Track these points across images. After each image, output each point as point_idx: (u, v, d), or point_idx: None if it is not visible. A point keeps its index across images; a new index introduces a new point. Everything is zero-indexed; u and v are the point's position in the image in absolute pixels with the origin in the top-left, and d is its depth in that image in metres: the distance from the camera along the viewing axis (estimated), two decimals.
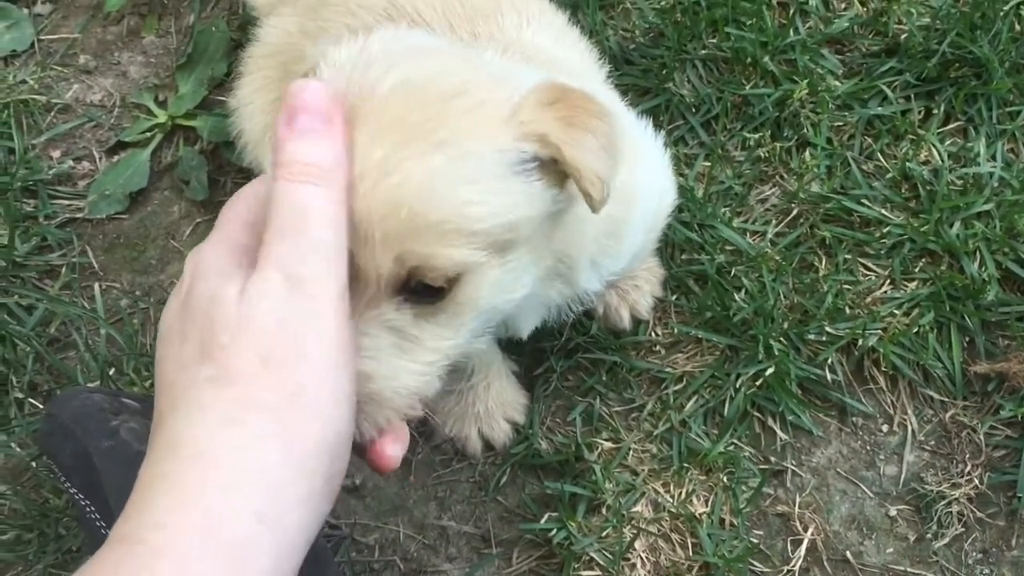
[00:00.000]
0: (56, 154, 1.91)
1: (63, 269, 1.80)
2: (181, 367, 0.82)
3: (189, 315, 0.84)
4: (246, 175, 1.87)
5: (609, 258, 1.30)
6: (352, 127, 0.90)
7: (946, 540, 1.56)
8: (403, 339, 0.95)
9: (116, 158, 1.91)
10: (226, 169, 1.88)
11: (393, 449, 0.95)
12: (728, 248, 1.71)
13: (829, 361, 1.63)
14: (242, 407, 0.78)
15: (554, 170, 0.97)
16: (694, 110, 1.82)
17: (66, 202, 1.87)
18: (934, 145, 1.76)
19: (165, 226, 1.85)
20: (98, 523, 1.27)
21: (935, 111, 1.79)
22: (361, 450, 0.94)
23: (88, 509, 1.29)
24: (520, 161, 0.94)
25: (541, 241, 1.04)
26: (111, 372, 1.67)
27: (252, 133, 1.54)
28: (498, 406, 1.62)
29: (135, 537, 0.74)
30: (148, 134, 1.91)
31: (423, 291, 0.93)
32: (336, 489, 0.83)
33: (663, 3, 1.87)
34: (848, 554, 1.56)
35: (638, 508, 1.58)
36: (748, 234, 1.74)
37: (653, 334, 1.68)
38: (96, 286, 1.79)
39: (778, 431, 1.62)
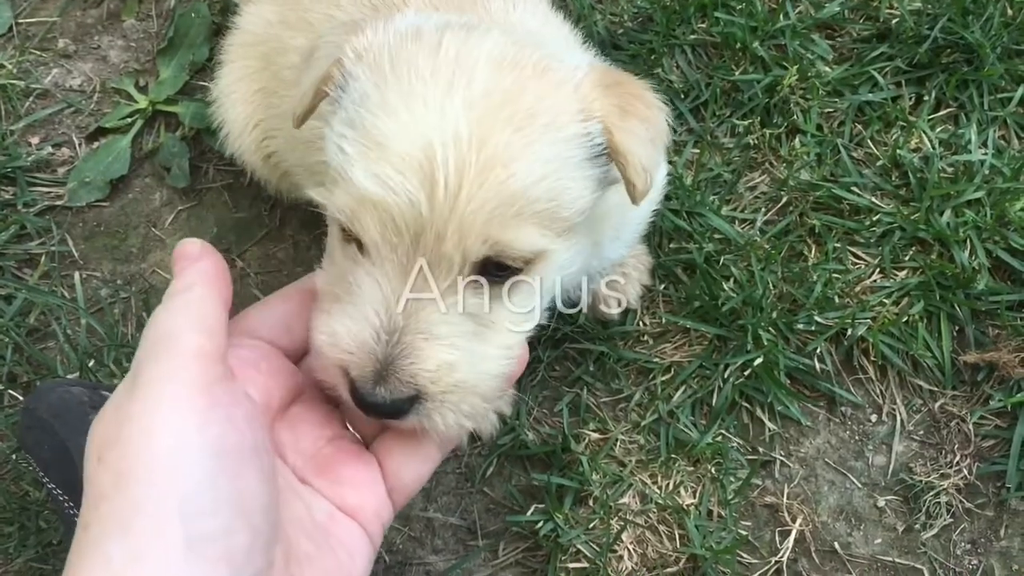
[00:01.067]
0: (35, 140, 1.88)
1: (42, 258, 1.77)
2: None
3: None
4: (229, 162, 1.84)
5: (624, 233, 1.32)
6: (414, 88, 0.90)
7: (935, 531, 1.55)
8: (480, 324, 0.95)
9: (96, 145, 1.88)
10: (208, 156, 1.85)
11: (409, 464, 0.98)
12: (717, 236, 1.69)
13: (818, 351, 1.62)
14: (89, 503, 0.77)
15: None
16: (683, 96, 1.80)
17: (45, 189, 1.84)
18: (925, 132, 1.74)
19: (146, 214, 1.83)
20: (77, 519, 1.25)
21: (926, 97, 1.77)
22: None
23: (67, 505, 1.27)
24: (594, 145, 0.96)
25: (591, 221, 1.05)
26: (91, 364, 1.64)
27: (233, 123, 1.51)
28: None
29: None
30: (128, 120, 1.88)
31: (495, 271, 0.94)
32: (239, 550, 0.78)
33: None
34: (836, 545, 1.55)
35: (625, 500, 1.56)
36: (737, 222, 1.72)
37: (641, 324, 1.67)
38: (76, 275, 1.76)
39: (766, 421, 1.61)
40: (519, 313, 0.99)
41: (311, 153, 1.27)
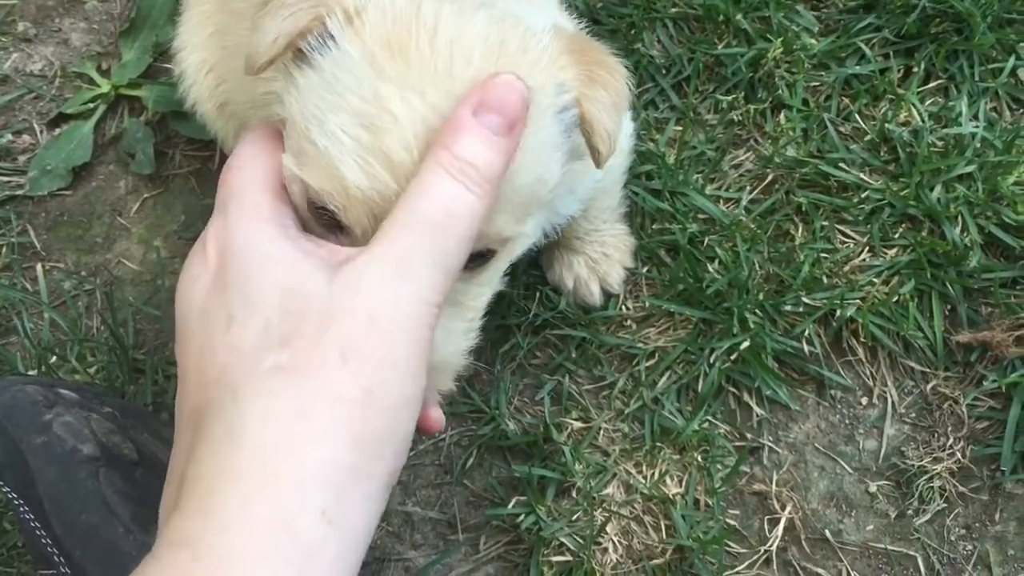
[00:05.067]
0: None
1: (3, 249, 1.71)
2: (236, 351, 0.77)
3: (239, 297, 0.79)
4: (195, 146, 1.79)
5: (577, 186, 1.27)
6: (401, 70, 0.85)
7: (928, 516, 1.51)
8: (452, 304, 0.94)
9: (58, 131, 1.81)
10: (174, 141, 1.79)
11: (438, 410, 0.96)
12: (701, 217, 1.64)
13: (806, 333, 1.57)
14: (314, 399, 0.75)
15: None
16: (664, 72, 1.74)
17: (5, 179, 1.77)
18: (914, 105, 1.69)
19: (111, 202, 1.76)
20: (32, 523, 1.20)
21: (915, 69, 1.72)
22: None
23: (22, 509, 1.21)
24: (569, 117, 0.94)
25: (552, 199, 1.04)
26: (52, 360, 1.59)
27: (190, 71, 1.44)
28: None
29: (200, 542, 0.71)
30: (91, 105, 1.82)
31: (476, 258, 0.93)
32: (392, 486, 0.80)
33: None
34: (827, 532, 1.51)
35: (609, 490, 1.51)
36: (722, 202, 1.66)
37: (623, 308, 1.61)
38: (38, 267, 1.70)
39: (754, 407, 1.56)
40: (483, 287, 0.99)
41: (256, 85, 1.20)
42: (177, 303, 0.85)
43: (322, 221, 0.90)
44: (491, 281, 1.00)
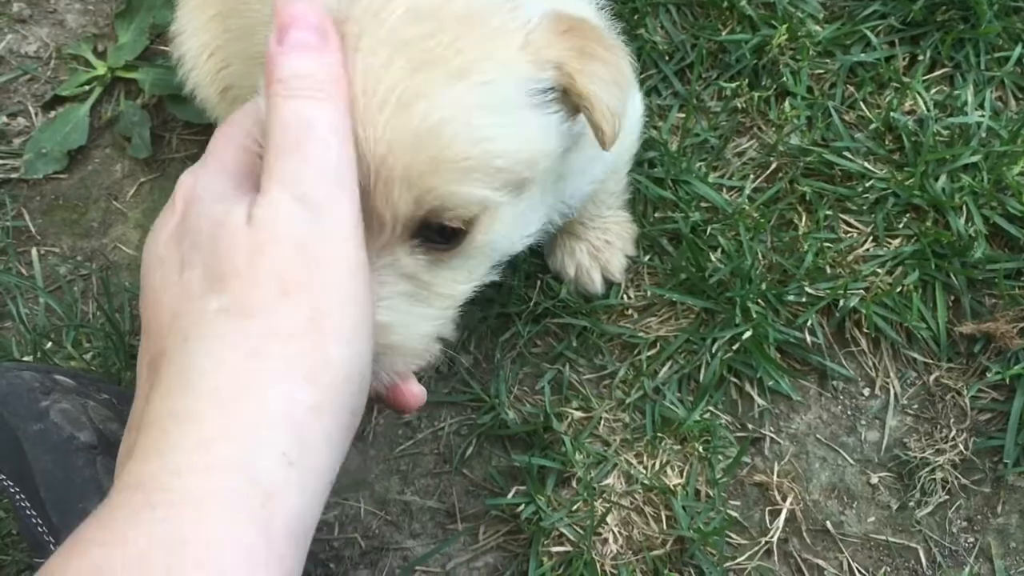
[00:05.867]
0: None
1: None
2: (186, 296, 0.76)
3: (190, 241, 0.79)
4: (192, 130, 1.76)
5: (590, 167, 1.26)
6: (355, 48, 0.85)
7: (930, 508, 1.50)
8: (417, 286, 0.92)
9: (53, 114, 1.79)
10: (171, 124, 1.77)
11: (417, 384, 0.95)
12: (703, 205, 1.62)
13: (809, 323, 1.55)
14: (265, 339, 0.73)
15: (568, 103, 0.95)
16: (667, 58, 1.72)
17: (0, 162, 1.75)
18: (919, 93, 1.67)
19: (107, 186, 1.74)
20: (28, 512, 1.18)
21: (920, 57, 1.70)
22: (378, 397, 0.93)
23: (19, 497, 1.20)
24: (539, 91, 0.92)
25: (552, 179, 1.02)
26: (48, 345, 1.57)
27: (190, 56, 1.43)
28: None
29: (153, 484, 0.69)
30: (87, 87, 1.79)
31: (438, 234, 0.90)
32: (356, 428, 0.79)
33: None
34: (828, 524, 1.50)
35: (610, 480, 1.50)
36: (724, 190, 1.65)
37: (625, 297, 1.60)
38: (34, 251, 1.68)
39: (756, 397, 1.55)
40: (461, 275, 0.96)
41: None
42: (143, 252, 0.85)
43: None
44: (464, 268, 0.96)
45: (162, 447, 0.70)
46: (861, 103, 1.68)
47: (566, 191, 1.23)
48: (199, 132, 1.75)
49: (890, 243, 1.60)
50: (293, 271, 0.75)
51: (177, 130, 1.77)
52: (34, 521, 1.18)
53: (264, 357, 0.73)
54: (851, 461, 1.53)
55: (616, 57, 0.97)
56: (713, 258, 1.58)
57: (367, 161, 0.83)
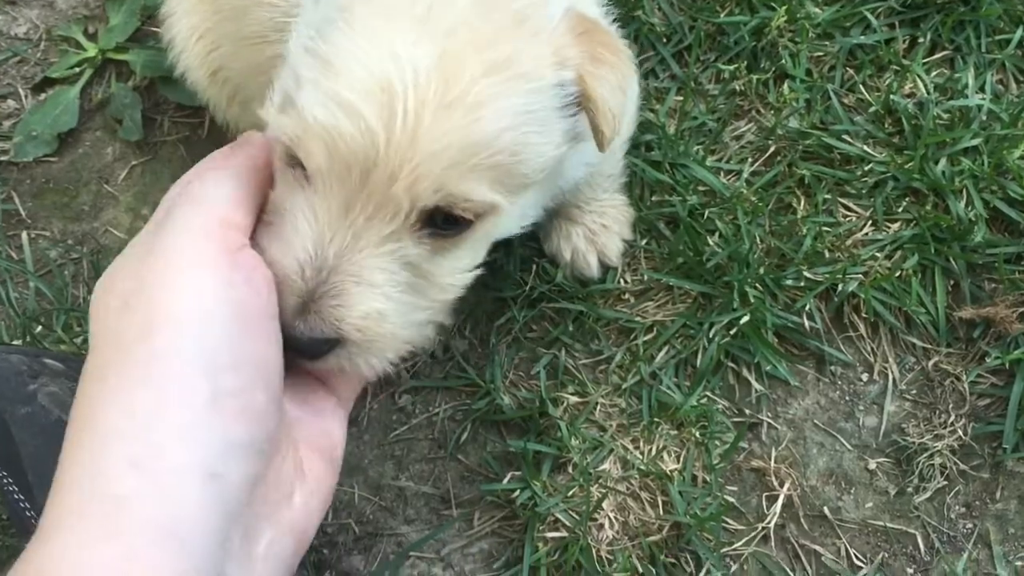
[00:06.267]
0: None
1: None
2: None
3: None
4: (184, 112, 1.74)
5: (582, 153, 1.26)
6: (412, 36, 0.85)
7: (928, 494, 1.49)
8: (417, 276, 0.92)
9: (43, 96, 1.77)
10: (162, 107, 1.75)
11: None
12: (701, 189, 1.61)
13: (807, 308, 1.54)
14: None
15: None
16: (665, 40, 1.70)
17: None
18: (919, 76, 1.65)
19: (98, 169, 1.72)
20: (16, 496, 1.17)
21: (921, 39, 1.68)
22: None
23: (6, 481, 1.18)
24: (568, 96, 0.94)
25: (552, 178, 1.04)
26: (38, 329, 1.55)
27: (179, 38, 1.42)
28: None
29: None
30: (77, 69, 1.77)
31: (444, 223, 0.91)
32: (256, 409, 0.79)
33: None
34: (826, 509, 1.49)
35: (606, 466, 1.49)
36: (722, 173, 1.63)
37: (622, 281, 1.58)
38: (24, 235, 1.66)
39: (753, 382, 1.53)
40: (459, 266, 0.97)
41: (260, 50, 1.19)
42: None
43: (290, 179, 0.91)
44: (466, 258, 0.97)
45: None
46: (860, 86, 1.66)
47: (562, 173, 1.21)
48: (191, 114, 1.73)
49: (889, 227, 1.58)
50: (129, 285, 0.81)
51: (169, 112, 1.75)
52: (22, 505, 1.16)
53: (104, 377, 0.78)
54: (849, 446, 1.52)
55: (623, 62, 0.99)
56: (711, 242, 1.56)
57: (394, 147, 0.83)
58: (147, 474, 0.72)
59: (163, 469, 0.72)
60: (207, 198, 0.85)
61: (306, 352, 0.90)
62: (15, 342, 1.54)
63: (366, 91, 0.83)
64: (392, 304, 0.90)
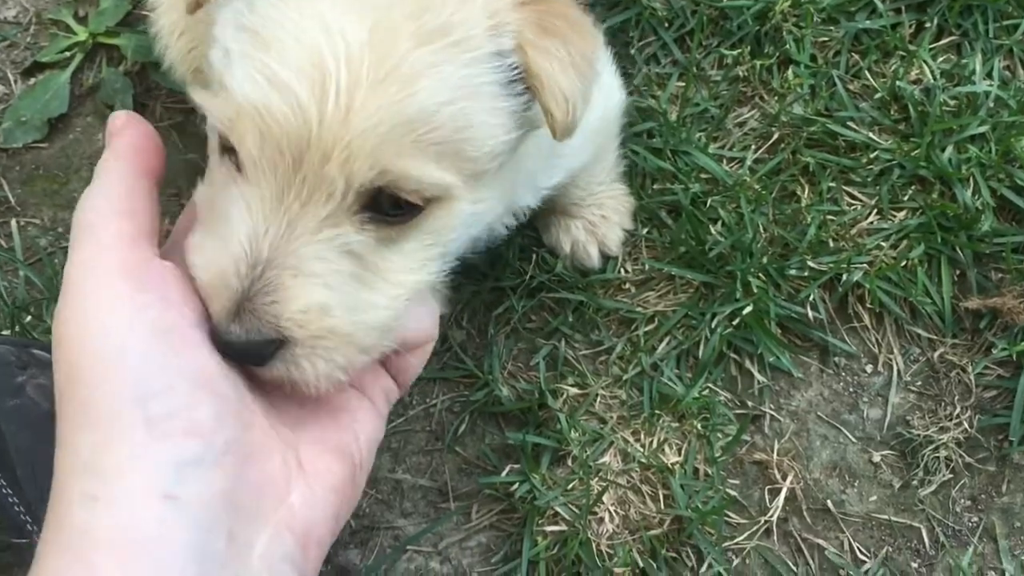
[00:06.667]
0: None
1: None
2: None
3: None
4: (176, 98, 1.71)
5: (544, 176, 1.21)
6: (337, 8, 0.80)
7: (933, 487, 1.47)
8: (363, 268, 0.85)
9: (33, 81, 1.74)
10: (154, 92, 1.72)
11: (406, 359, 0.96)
12: (703, 176, 1.58)
13: (811, 298, 1.52)
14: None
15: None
16: (667, 25, 1.67)
17: None
18: (926, 62, 1.62)
19: (89, 155, 1.69)
20: (4, 490, 1.14)
21: (927, 24, 1.65)
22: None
23: None
24: (510, 68, 0.85)
25: (508, 177, 0.96)
26: (27, 319, 1.52)
27: (163, 34, 1.40)
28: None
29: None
30: (67, 54, 1.74)
31: (390, 207, 0.84)
32: (201, 423, 0.77)
33: None
34: (829, 503, 1.46)
35: (606, 459, 1.47)
36: (725, 161, 1.60)
37: (622, 271, 1.56)
38: (13, 223, 1.63)
39: (756, 374, 1.51)
40: (412, 263, 0.89)
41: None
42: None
43: (224, 171, 0.86)
44: (416, 256, 0.89)
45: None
46: (866, 72, 1.63)
47: (537, 182, 1.18)
48: (183, 100, 1.70)
49: (895, 216, 1.56)
50: (55, 334, 0.81)
51: (161, 98, 1.72)
52: (11, 500, 1.14)
53: (59, 423, 0.79)
54: (853, 439, 1.50)
55: (581, 39, 0.88)
56: (713, 231, 1.54)
57: (327, 125, 0.78)
58: (102, 503, 0.72)
59: (116, 497, 0.72)
60: (96, 223, 0.82)
61: (248, 358, 0.84)
62: (4, 332, 1.52)
63: (298, 67, 0.79)
64: (336, 296, 0.83)
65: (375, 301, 0.86)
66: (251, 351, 0.83)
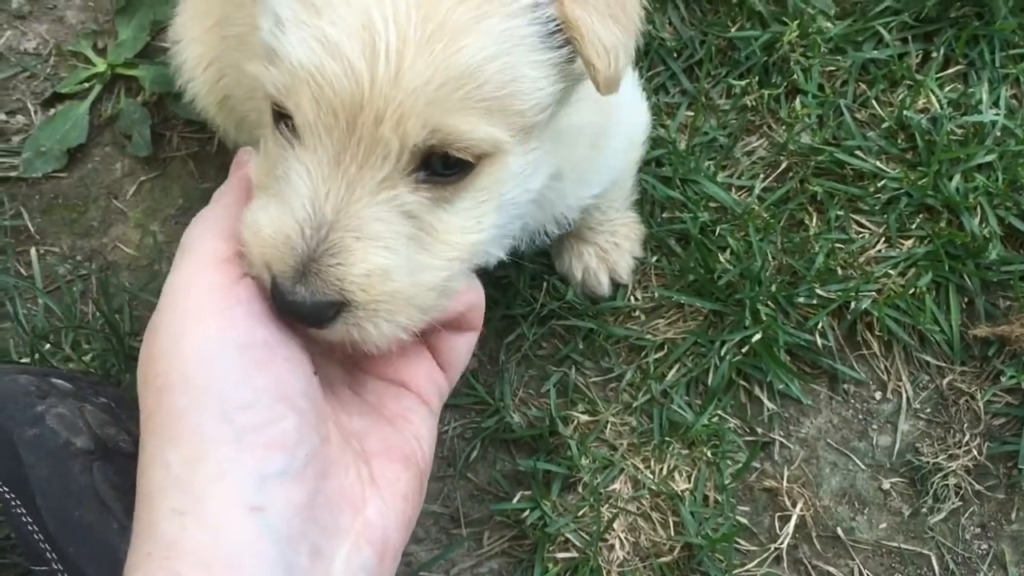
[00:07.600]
0: None
1: None
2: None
3: None
4: (193, 128, 1.74)
5: (591, 172, 1.22)
6: None
7: (942, 515, 1.47)
8: (420, 229, 0.87)
9: (52, 111, 1.76)
10: (171, 122, 1.74)
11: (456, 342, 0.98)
12: (712, 205, 1.60)
13: (820, 326, 1.53)
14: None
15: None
16: (676, 55, 1.69)
17: None
18: (933, 91, 1.64)
19: (107, 185, 1.72)
20: (24, 519, 1.16)
21: (934, 54, 1.67)
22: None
23: (14, 504, 1.17)
24: (548, 20, 0.85)
25: (552, 135, 0.96)
26: (46, 347, 1.54)
27: (187, 66, 1.41)
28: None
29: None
30: (86, 85, 1.77)
31: (443, 166, 0.86)
32: (286, 435, 0.81)
33: None
34: (839, 530, 1.47)
35: (616, 486, 1.48)
36: (734, 189, 1.62)
37: (632, 299, 1.57)
38: (32, 251, 1.66)
39: (765, 401, 1.52)
40: (467, 222, 0.90)
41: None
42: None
43: (280, 141, 0.88)
44: (471, 214, 0.90)
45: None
46: (873, 101, 1.65)
47: (568, 195, 1.19)
48: (200, 130, 1.72)
49: (903, 244, 1.57)
50: (146, 353, 0.85)
51: (178, 128, 1.74)
52: (30, 528, 1.16)
53: (144, 445, 0.82)
54: (862, 466, 1.50)
55: None
56: (722, 259, 1.55)
57: (379, 86, 0.79)
58: (191, 517, 0.75)
59: (205, 511, 0.75)
60: (196, 245, 0.87)
61: (310, 319, 0.85)
62: (23, 360, 1.54)
63: (348, 30, 0.80)
64: (396, 259, 0.85)
65: (431, 263, 0.88)
66: (314, 313, 0.85)
